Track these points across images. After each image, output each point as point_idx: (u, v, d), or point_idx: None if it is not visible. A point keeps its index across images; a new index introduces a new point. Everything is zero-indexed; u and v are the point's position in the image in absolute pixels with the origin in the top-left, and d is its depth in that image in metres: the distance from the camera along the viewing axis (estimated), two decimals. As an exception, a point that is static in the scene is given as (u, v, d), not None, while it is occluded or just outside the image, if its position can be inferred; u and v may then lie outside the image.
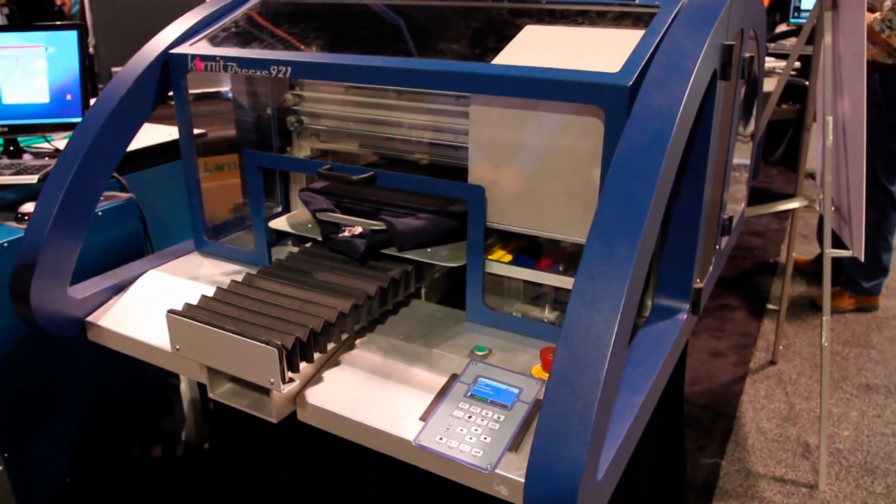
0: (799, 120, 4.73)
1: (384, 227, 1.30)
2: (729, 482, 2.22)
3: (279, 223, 1.47)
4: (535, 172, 1.16)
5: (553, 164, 1.14)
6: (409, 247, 1.30)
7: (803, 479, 2.24)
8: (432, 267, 1.38)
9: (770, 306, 3.33)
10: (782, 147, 5.25)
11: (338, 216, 1.37)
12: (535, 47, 1.20)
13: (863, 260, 2.12)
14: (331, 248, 1.37)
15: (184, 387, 2.21)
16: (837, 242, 2.21)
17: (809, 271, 3.60)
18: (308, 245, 1.45)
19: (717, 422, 2.51)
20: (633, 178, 0.90)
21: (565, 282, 1.23)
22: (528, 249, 1.33)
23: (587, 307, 0.85)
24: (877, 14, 2.62)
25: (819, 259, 3.52)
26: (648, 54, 1.07)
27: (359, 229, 1.33)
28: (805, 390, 2.69)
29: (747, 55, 1.35)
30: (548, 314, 1.31)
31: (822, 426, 2.19)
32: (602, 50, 1.15)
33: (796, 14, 4.41)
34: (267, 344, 1.02)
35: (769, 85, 2.89)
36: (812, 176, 3.44)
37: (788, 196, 2.98)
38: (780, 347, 2.91)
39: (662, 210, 0.95)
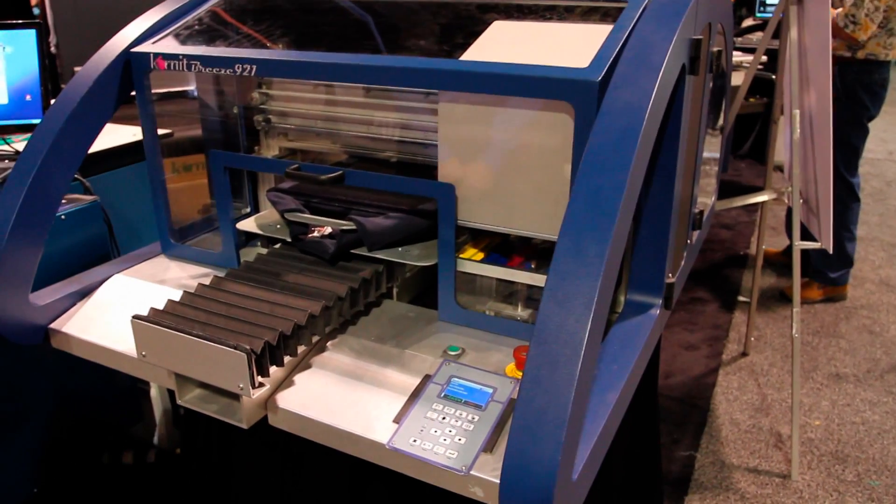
0: (766, 113, 4.79)
1: (354, 227, 1.28)
2: (704, 474, 2.24)
3: (247, 224, 1.45)
4: (505, 169, 1.15)
5: (523, 160, 1.14)
6: (380, 246, 1.28)
7: (776, 469, 2.26)
8: (403, 266, 1.37)
9: (741, 298, 3.37)
10: (750, 140, 5.31)
11: (306, 216, 1.35)
12: (503, 43, 1.19)
13: (831, 252, 2.14)
14: (300, 250, 1.34)
15: (154, 392, 2.17)
16: (805, 234, 2.24)
17: (778, 263, 3.64)
18: (277, 246, 1.43)
19: (690, 414, 2.53)
20: (603, 174, 0.90)
21: (538, 279, 1.22)
22: (500, 247, 1.32)
23: (559, 305, 0.84)
24: (839, 9, 2.66)
25: (788, 251, 3.57)
26: (617, 49, 1.07)
27: (328, 229, 1.31)
28: (776, 381, 2.72)
29: (715, 49, 1.36)
30: (521, 312, 1.30)
31: (793, 417, 2.21)
32: (570, 45, 1.14)
33: (762, 8, 4.46)
34: (235, 349, 1.00)
35: (737, 79, 2.92)
36: (780, 168, 3.49)
37: (757, 189, 3.02)
38: (752, 339, 2.95)
39: (633, 206, 0.94)
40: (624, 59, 1.01)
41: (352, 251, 1.30)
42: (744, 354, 2.91)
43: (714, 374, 2.78)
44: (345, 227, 1.30)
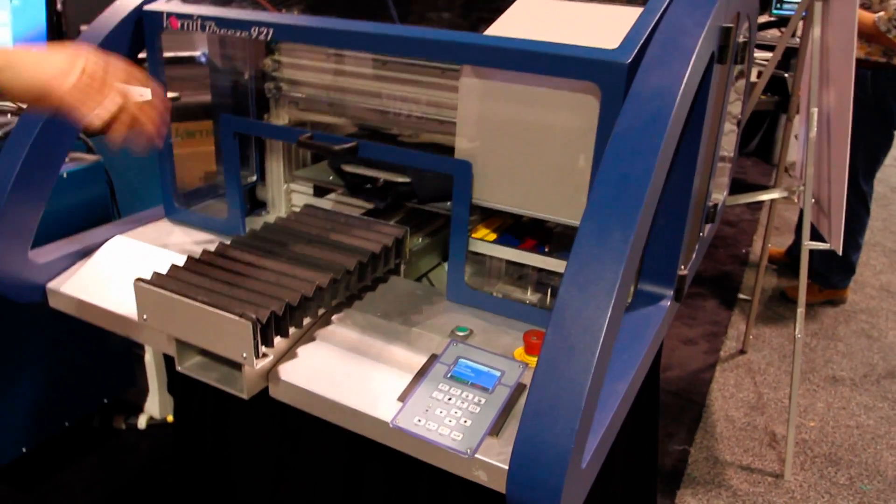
0: (775, 111, 4.76)
1: (408, 180, 1.30)
2: (697, 469, 2.23)
3: (304, 172, 1.51)
4: (524, 149, 1.13)
5: (544, 141, 1.11)
6: (430, 200, 1.30)
7: (769, 469, 2.26)
8: (411, 243, 1.34)
9: (741, 296, 3.36)
10: (757, 138, 5.28)
11: (362, 168, 1.35)
12: (529, 19, 1.16)
13: (840, 253, 2.12)
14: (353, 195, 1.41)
15: (148, 357, 2.15)
16: (813, 235, 2.22)
17: (780, 263, 3.63)
18: (284, 216, 1.40)
19: (686, 409, 2.52)
20: (631, 159, 0.87)
21: (550, 263, 1.20)
22: (512, 229, 1.29)
23: (580, 290, 0.82)
24: (881, 13, 2.60)
25: (790, 251, 3.55)
26: (647, 32, 1.04)
27: (382, 181, 1.33)
28: (773, 380, 2.72)
29: (741, 40, 1.33)
30: (530, 296, 1.28)
31: (790, 417, 2.20)
32: (599, 25, 1.11)
33: (778, 5, 4.40)
34: (241, 317, 0.98)
35: (752, 75, 2.88)
36: (786, 169, 3.46)
37: (762, 187, 2.98)
38: (751, 337, 2.93)
39: (658, 193, 0.92)
40: (655, 42, 0.98)
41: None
42: (742, 352, 2.90)
43: (711, 370, 2.77)
44: (399, 180, 1.30)
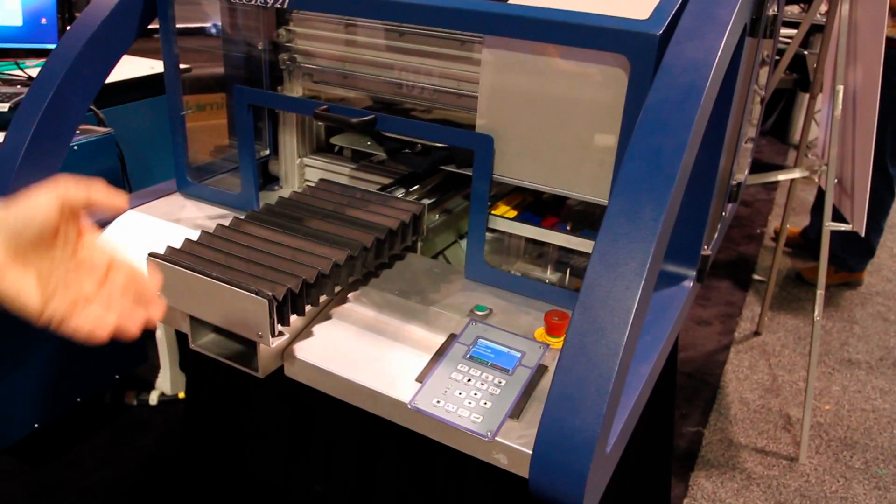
0: (793, 89, 4.68)
1: (447, 146, 1.26)
2: (710, 451, 2.21)
3: (340, 140, 1.47)
4: (548, 124, 1.09)
5: (569, 116, 1.07)
6: (468, 164, 1.24)
7: (784, 452, 2.23)
8: (428, 220, 1.31)
9: (756, 277, 3.32)
10: (773, 117, 5.20)
11: (400, 136, 1.34)
12: (555, -11, 1.11)
13: (862, 234, 2.08)
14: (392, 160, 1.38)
15: (160, 334, 2.14)
16: (834, 216, 2.17)
17: (794, 245, 3.58)
18: (299, 190, 1.37)
19: (700, 390, 2.50)
20: (663, 133, 0.84)
21: (573, 242, 1.17)
22: (533, 206, 1.26)
23: (609, 269, 0.79)
24: None
25: (805, 233, 3.50)
26: (680, 2, 0.99)
27: (419, 147, 1.31)
28: (788, 363, 2.69)
29: (771, 13, 1.28)
30: (550, 275, 1.25)
31: (807, 400, 2.18)
32: (627, -5, 1.06)
33: (799, -19, 4.32)
34: (257, 294, 0.95)
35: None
36: (796, 146, 3.39)
37: (778, 167, 2.93)
38: (766, 319, 2.90)
39: (690, 169, 0.88)
40: (689, 13, 0.94)
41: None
42: (756, 334, 2.87)
43: (726, 351, 2.74)
44: (439, 145, 1.27)
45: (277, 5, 1.21)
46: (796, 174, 2.26)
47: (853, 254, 3.16)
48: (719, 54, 0.89)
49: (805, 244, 3.49)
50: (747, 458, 2.20)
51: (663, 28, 0.95)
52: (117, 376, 2.11)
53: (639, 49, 0.96)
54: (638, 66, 0.96)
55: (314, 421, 1.39)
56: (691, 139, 0.84)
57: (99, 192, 0.65)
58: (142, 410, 2.19)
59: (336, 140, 1.48)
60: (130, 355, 2.13)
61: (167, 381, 2.20)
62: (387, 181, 1.42)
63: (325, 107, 1.23)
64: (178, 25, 1.39)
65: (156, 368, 2.20)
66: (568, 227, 1.18)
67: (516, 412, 0.94)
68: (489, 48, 1.09)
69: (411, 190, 1.37)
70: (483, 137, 1.11)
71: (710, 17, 0.93)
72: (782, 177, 2.27)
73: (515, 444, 0.90)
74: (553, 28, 1.00)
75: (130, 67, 2.09)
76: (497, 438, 0.91)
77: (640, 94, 0.96)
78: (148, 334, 2.15)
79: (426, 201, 1.30)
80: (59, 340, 1.88)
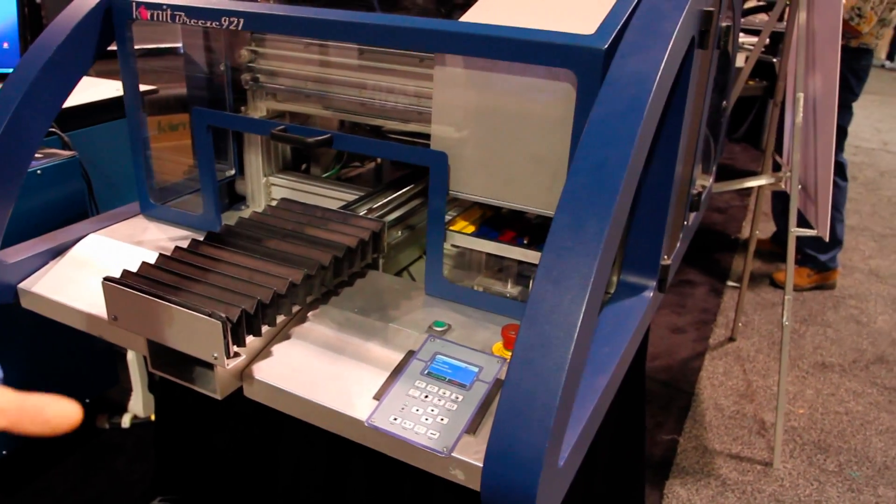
0: (764, 97, 4.74)
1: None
2: (686, 459, 2.22)
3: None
4: (501, 139, 1.10)
5: (520, 131, 1.08)
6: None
7: (759, 457, 2.25)
8: (389, 237, 1.32)
9: (730, 283, 3.35)
10: (746, 124, 5.26)
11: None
12: (505, 6, 1.13)
13: (826, 240, 2.11)
14: None
15: (131, 356, 2.11)
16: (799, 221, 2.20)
17: (766, 251, 3.61)
18: (260, 210, 1.37)
19: (675, 398, 2.51)
20: (606, 147, 0.85)
21: (530, 256, 1.17)
22: (491, 221, 1.27)
23: (554, 284, 0.79)
24: (843, 1, 2.62)
25: (775, 238, 3.54)
26: (625, 17, 1.01)
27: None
28: (762, 368, 2.71)
29: (724, 25, 1.30)
30: (510, 289, 1.25)
31: (779, 405, 2.19)
32: (575, 11, 1.08)
33: (766, -10, 4.38)
34: (210, 316, 0.95)
35: (738, 60, 2.86)
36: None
37: (751, 173, 2.97)
38: (740, 324, 2.92)
39: (636, 182, 0.89)
40: (633, 27, 0.96)
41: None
42: (731, 340, 2.89)
43: (700, 358, 2.76)
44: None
45: (232, 27, 1.22)
46: (763, 181, 2.29)
47: (822, 248, 3.21)
48: (662, 67, 0.90)
49: (778, 250, 3.53)
50: (722, 464, 2.21)
51: (608, 42, 0.96)
52: (87, 400, 2.09)
53: (585, 64, 0.97)
54: (585, 81, 0.98)
55: (281, 441, 1.38)
56: (635, 151, 0.85)
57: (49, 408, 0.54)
58: (114, 434, 2.17)
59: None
60: (99, 378, 2.11)
61: (140, 404, 2.17)
62: (352, 197, 1.43)
63: (282, 127, 1.23)
64: (145, 46, 1.39)
65: (128, 391, 2.17)
66: (525, 241, 1.18)
67: (473, 427, 0.94)
68: (440, 66, 1.10)
69: (375, 207, 1.38)
70: (437, 154, 1.12)
71: (653, 31, 0.95)
72: (749, 184, 2.30)
73: (471, 460, 0.90)
74: (502, 45, 1.01)
75: (98, 90, 2.09)
76: (454, 454, 0.91)
77: (587, 107, 0.97)
78: (118, 356, 2.13)
79: (390, 217, 1.30)
80: (25, 366, 1.86)
